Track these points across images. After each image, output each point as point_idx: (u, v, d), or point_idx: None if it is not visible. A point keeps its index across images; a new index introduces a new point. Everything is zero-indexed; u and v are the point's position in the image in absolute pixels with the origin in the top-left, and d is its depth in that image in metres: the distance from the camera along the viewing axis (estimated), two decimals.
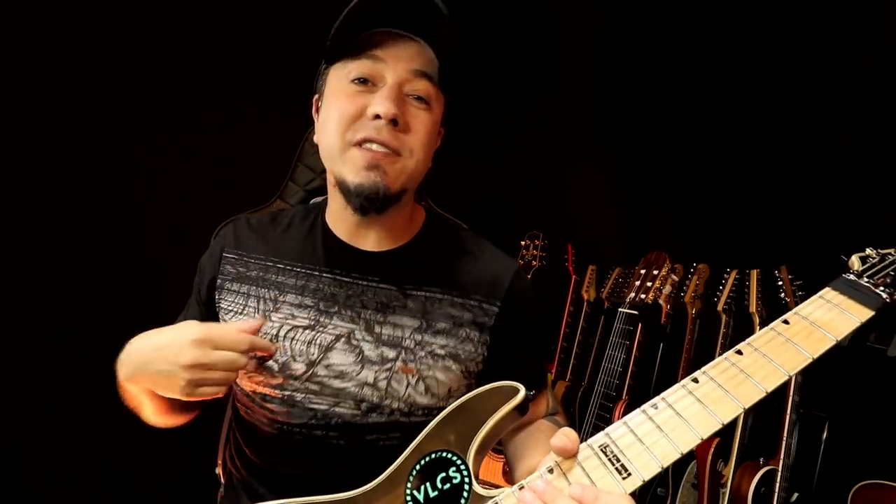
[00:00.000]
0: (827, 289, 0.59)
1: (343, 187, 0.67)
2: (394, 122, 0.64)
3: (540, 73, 2.03)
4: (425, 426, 0.62)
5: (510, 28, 1.97)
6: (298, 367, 0.71)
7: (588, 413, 1.67)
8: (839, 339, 0.53)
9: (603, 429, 1.63)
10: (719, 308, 1.55)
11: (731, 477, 1.39)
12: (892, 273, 0.58)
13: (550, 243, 2.00)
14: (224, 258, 0.77)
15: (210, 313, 0.78)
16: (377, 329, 0.71)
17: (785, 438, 1.33)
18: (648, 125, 1.85)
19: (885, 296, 0.56)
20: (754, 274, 1.52)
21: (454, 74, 0.69)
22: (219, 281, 0.76)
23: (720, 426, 0.51)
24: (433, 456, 0.59)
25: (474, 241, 0.80)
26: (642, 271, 1.73)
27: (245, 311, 0.74)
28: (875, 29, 1.32)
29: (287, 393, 0.71)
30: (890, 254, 0.62)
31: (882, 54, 1.30)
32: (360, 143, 0.65)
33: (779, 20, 1.49)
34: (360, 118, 0.65)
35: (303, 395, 0.70)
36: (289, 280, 0.74)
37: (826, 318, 0.55)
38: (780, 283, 1.46)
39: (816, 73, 1.43)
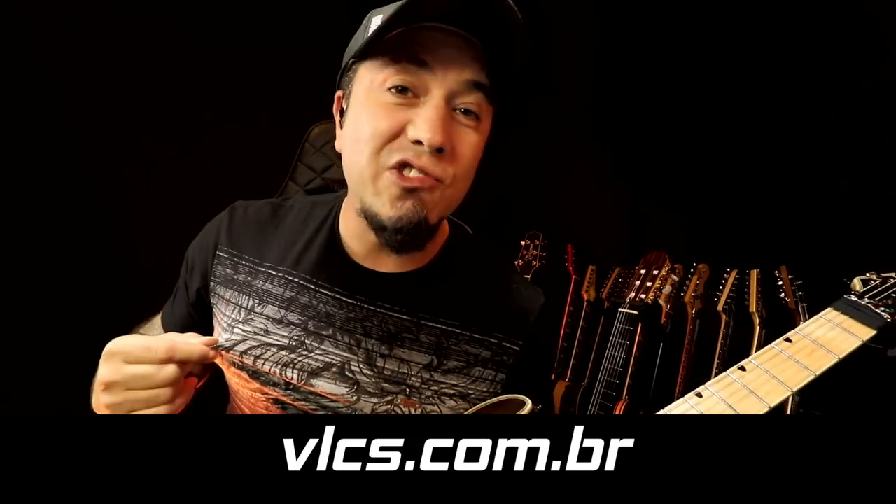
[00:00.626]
0: (829, 309, 0.61)
1: (373, 220, 0.56)
2: (439, 149, 0.53)
3: (539, 71, 2.03)
4: None
5: None
6: (280, 385, 0.63)
7: (588, 413, 1.67)
8: (841, 356, 0.55)
9: None
10: (719, 308, 1.56)
11: None
12: (894, 295, 0.61)
13: (550, 243, 2.00)
14: (217, 256, 0.67)
15: (201, 317, 0.70)
16: (379, 363, 0.62)
17: None
18: (648, 124, 1.84)
19: (886, 316, 0.58)
20: (754, 274, 1.52)
21: (511, 82, 0.57)
22: (211, 284, 0.67)
23: None
24: None
25: (500, 265, 0.72)
26: (642, 271, 1.73)
27: (220, 322, 0.65)
28: (879, 30, 1.31)
29: (272, 397, 0.64)
30: (891, 277, 0.65)
31: (883, 53, 1.30)
32: (395, 167, 0.54)
33: (781, 16, 1.49)
34: (398, 138, 0.54)
35: (290, 401, 0.64)
36: (275, 289, 0.63)
37: (828, 337, 0.58)
38: (780, 283, 1.46)
39: (816, 71, 1.43)
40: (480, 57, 0.55)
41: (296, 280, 0.63)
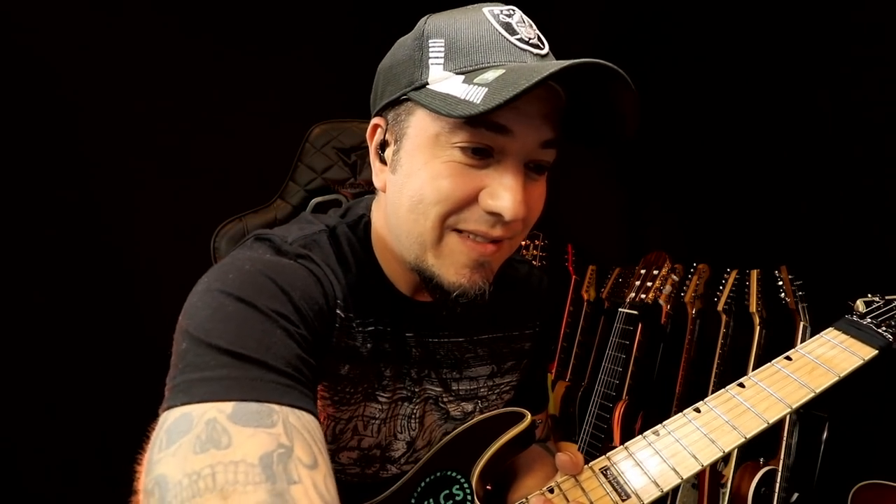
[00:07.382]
0: (830, 329, 0.62)
1: (430, 281, 0.51)
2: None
3: None
4: None
5: None
6: (399, 448, 0.62)
7: (588, 413, 1.67)
8: (842, 375, 0.56)
9: (603, 429, 1.65)
10: (719, 308, 1.55)
11: (731, 477, 1.39)
12: None
13: (550, 243, 2.00)
14: (336, 317, 0.53)
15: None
16: (454, 387, 0.64)
17: (785, 438, 1.34)
18: (648, 125, 1.84)
19: (888, 336, 0.59)
20: (754, 274, 1.52)
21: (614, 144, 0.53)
22: (332, 358, 0.54)
23: (721, 454, 0.52)
24: (438, 474, 0.61)
25: (508, 263, 0.71)
26: (642, 271, 1.73)
27: (351, 397, 0.56)
28: (878, 31, 1.31)
29: (372, 474, 0.62)
30: (895, 299, 0.66)
31: (884, 55, 1.30)
32: (464, 232, 0.49)
33: (781, 18, 1.48)
34: (470, 205, 0.48)
35: (393, 474, 0.63)
36: (381, 345, 0.57)
37: (829, 356, 0.58)
38: (780, 283, 1.46)
39: (816, 71, 1.43)
40: (560, 108, 0.49)
41: (387, 329, 0.58)
